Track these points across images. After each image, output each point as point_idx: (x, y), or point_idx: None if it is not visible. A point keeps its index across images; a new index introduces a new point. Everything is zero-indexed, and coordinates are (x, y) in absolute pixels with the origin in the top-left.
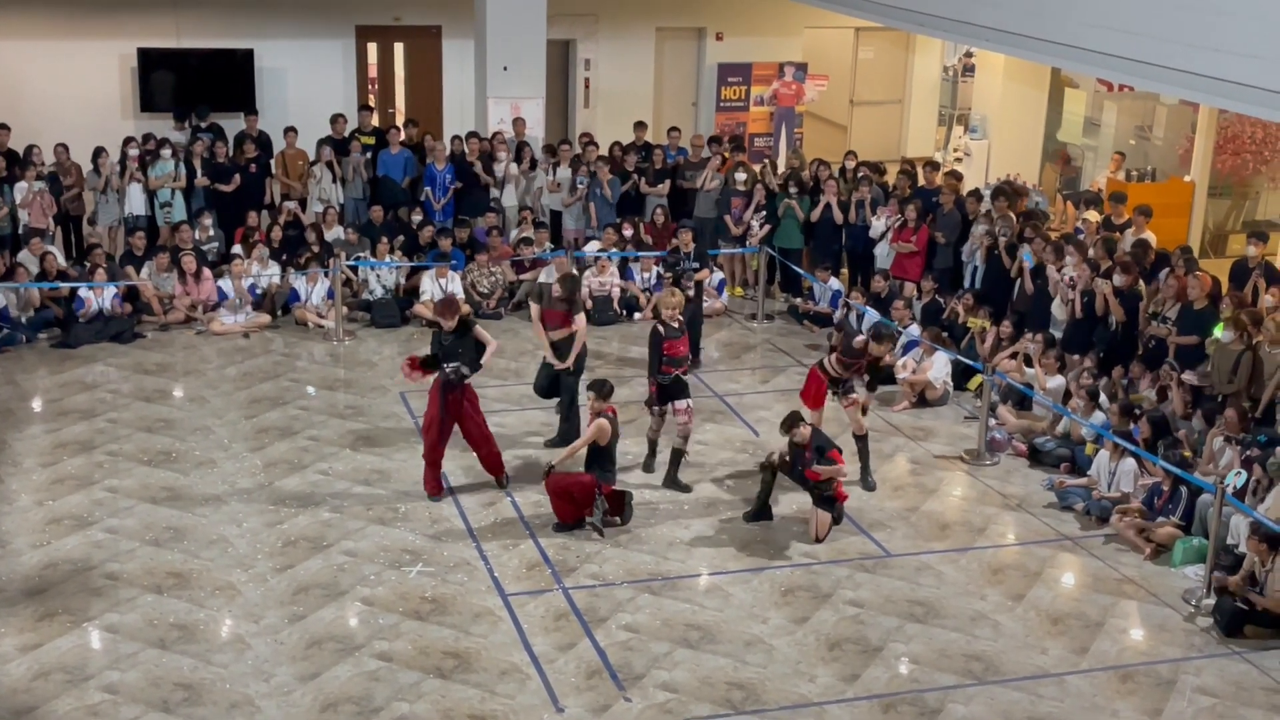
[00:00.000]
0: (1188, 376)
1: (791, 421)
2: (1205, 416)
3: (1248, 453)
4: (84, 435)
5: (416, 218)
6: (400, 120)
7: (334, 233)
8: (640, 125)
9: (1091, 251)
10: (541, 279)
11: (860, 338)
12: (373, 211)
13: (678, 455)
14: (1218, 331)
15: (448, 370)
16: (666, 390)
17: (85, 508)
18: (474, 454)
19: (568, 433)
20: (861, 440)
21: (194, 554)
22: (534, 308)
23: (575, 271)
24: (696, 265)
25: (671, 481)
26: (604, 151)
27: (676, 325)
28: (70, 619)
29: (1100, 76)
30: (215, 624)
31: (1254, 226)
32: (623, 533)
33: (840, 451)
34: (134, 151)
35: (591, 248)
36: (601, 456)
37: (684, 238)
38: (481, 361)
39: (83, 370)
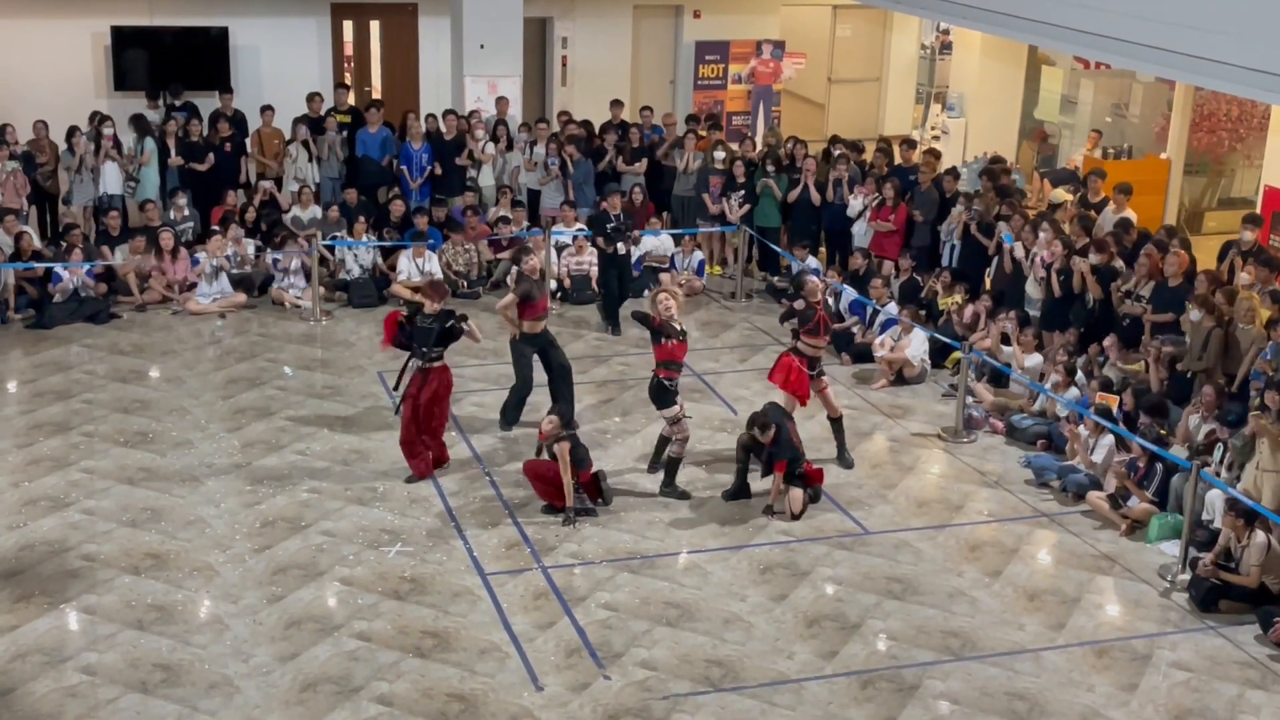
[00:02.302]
0: (1167, 348)
1: (761, 424)
2: (1180, 393)
3: (1219, 429)
4: (59, 416)
5: (389, 198)
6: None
7: (310, 212)
8: (616, 104)
9: (1068, 228)
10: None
11: (798, 301)
12: (347, 194)
13: (673, 463)
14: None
15: (424, 351)
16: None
17: (61, 489)
18: (456, 438)
19: (566, 414)
20: (836, 422)
21: (171, 535)
22: (510, 298)
23: (536, 273)
24: (626, 227)
25: (669, 488)
26: (575, 130)
27: (679, 326)
28: (47, 601)
29: (1077, 54)
30: (193, 605)
31: (1232, 205)
32: (603, 511)
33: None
34: (108, 130)
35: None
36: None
37: (612, 201)
38: (463, 331)
39: (58, 351)
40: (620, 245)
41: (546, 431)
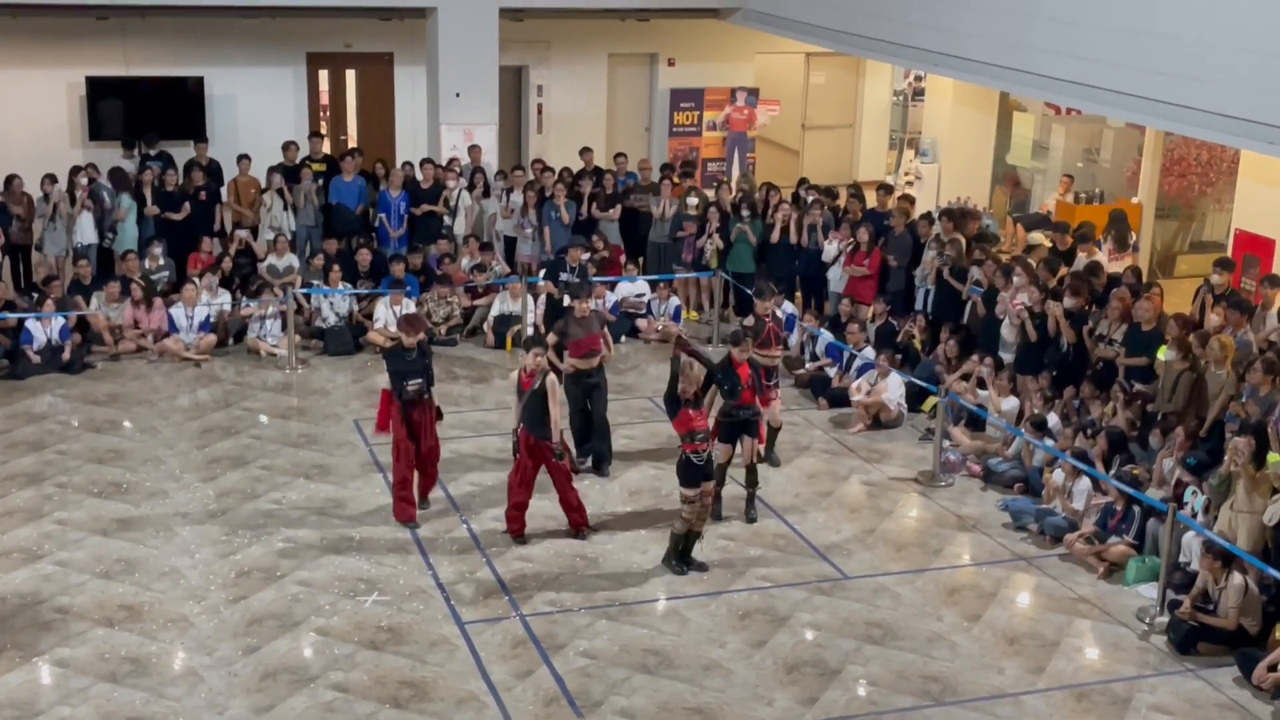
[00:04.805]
0: (1138, 386)
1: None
2: (1153, 436)
3: (1181, 473)
4: (32, 467)
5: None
6: (350, 146)
7: (285, 260)
8: (586, 151)
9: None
10: (495, 307)
11: (749, 318)
12: (326, 244)
13: (686, 539)
14: (1161, 353)
15: (409, 388)
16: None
17: (34, 540)
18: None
19: (604, 453)
20: (774, 431)
21: (145, 586)
22: (550, 339)
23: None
24: (578, 288)
25: (674, 560)
26: (556, 178)
27: (692, 397)
28: (19, 654)
29: (1048, 100)
30: (168, 657)
31: (1204, 249)
32: (579, 558)
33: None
34: (84, 180)
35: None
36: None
37: (573, 254)
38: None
39: (31, 401)
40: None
41: (533, 367)
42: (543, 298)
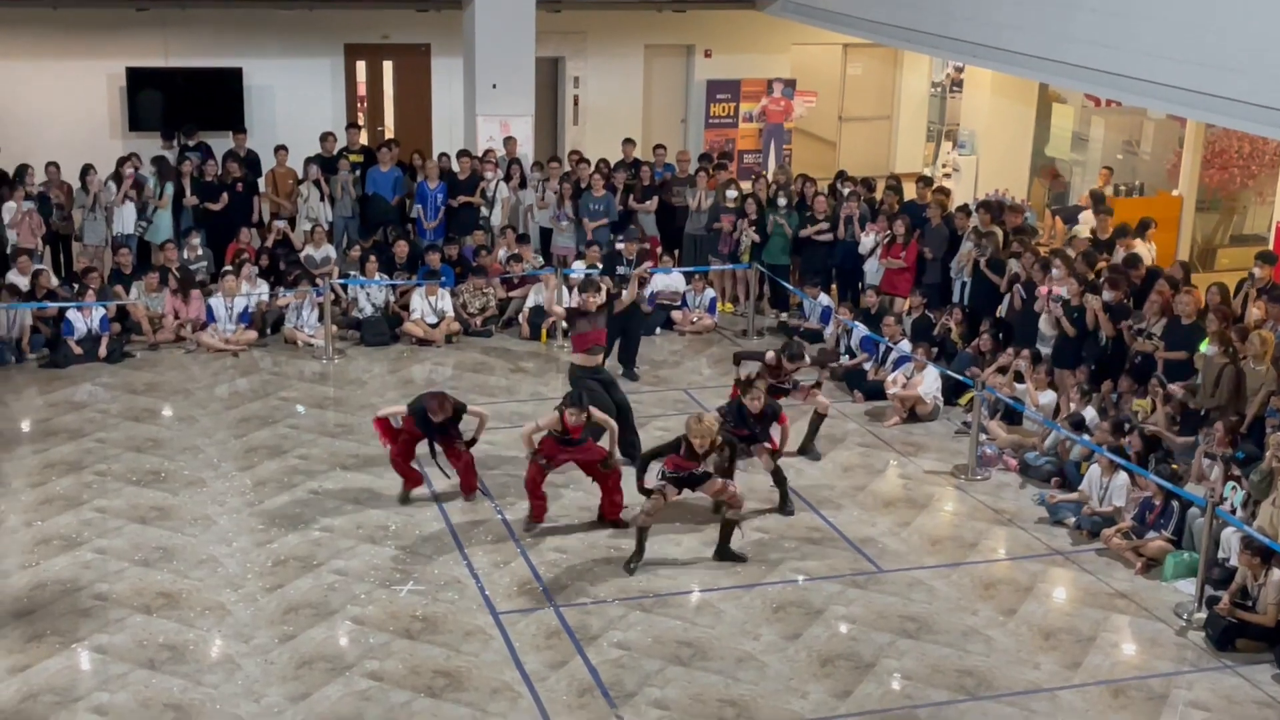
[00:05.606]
0: (1173, 387)
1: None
2: (1193, 432)
3: (1230, 469)
4: (72, 455)
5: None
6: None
7: (322, 251)
8: (628, 142)
9: (1076, 266)
10: (530, 298)
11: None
12: (374, 239)
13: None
14: (1203, 347)
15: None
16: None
17: (74, 528)
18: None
19: (633, 442)
20: (820, 419)
21: (183, 574)
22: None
23: (593, 307)
24: (623, 274)
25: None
26: (592, 169)
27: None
28: (59, 640)
29: (1088, 92)
30: (205, 644)
31: (1245, 242)
32: (614, 549)
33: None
34: (129, 170)
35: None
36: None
37: (629, 247)
38: (476, 436)
39: (71, 390)
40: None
41: (574, 424)
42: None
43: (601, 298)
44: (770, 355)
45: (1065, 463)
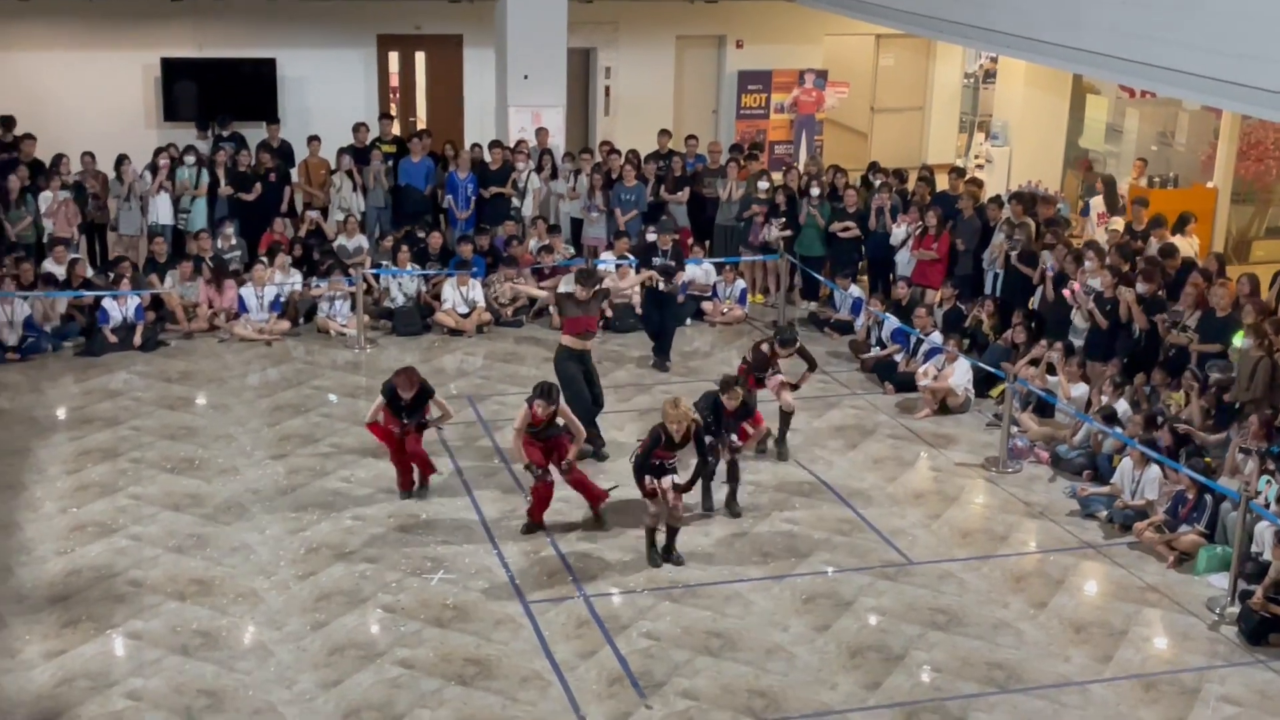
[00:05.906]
0: (1215, 374)
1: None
2: (1226, 425)
3: (1265, 463)
4: (108, 443)
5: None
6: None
7: (355, 241)
8: (664, 133)
9: (1108, 259)
10: (561, 289)
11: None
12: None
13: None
14: (1238, 340)
15: (406, 423)
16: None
17: (109, 515)
18: (500, 466)
19: (596, 435)
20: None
21: (216, 561)
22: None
23: (586, 296)
24: (673, 264)
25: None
26: (623, 160)
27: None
28: (94, 626)
29: (1122, 83)
30: (238, 631)
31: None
32: (643, 539)
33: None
34: (164, 161)
35: (608, 256)
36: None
37: (663, 238)
38: (431, 423)
39: (106, 378)
40: (663, 283)
41: (542, 415)
42: (632, 278)
43: (594, 289)
44: (764, 347)
45: (1097, 456)
